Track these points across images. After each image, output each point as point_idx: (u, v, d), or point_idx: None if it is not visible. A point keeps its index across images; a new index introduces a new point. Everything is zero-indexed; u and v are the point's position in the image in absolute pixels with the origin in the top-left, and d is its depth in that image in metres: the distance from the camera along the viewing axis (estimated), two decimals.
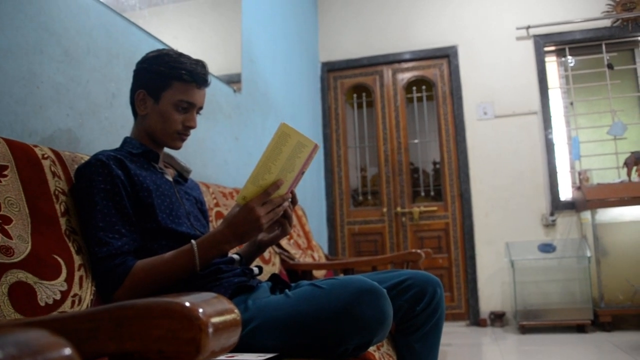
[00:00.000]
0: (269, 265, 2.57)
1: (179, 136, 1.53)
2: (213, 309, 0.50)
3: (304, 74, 4.48)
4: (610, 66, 4.51)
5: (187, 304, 0.48)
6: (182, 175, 1.66)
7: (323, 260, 3.41)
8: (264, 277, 1.82)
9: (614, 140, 4.44)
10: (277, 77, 3.75)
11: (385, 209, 4.65)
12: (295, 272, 2.79)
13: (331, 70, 4.89)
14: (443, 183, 4.61)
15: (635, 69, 4.62)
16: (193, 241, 1.32)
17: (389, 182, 4.68)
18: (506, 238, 4.37)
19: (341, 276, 1.40)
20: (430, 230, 4.58)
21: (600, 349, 3.52)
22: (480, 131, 4.55)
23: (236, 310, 0.55)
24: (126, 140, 1.54)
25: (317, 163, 4.65)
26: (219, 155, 2.78)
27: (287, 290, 1.33)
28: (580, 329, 3.96)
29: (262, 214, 1.31)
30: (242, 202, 1.32)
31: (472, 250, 4.46)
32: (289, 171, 1.33)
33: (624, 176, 4.26)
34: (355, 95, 4.92)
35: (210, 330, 0.47)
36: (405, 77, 4.78)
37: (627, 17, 4.47)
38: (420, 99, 4.79)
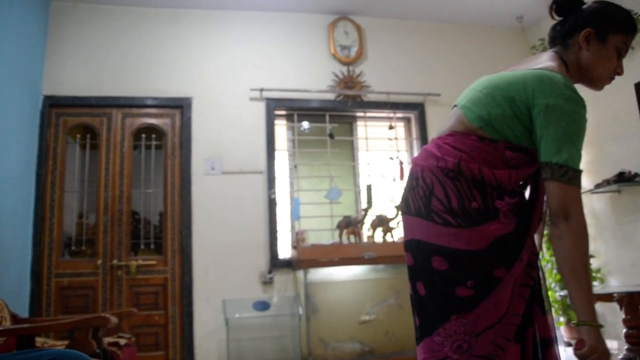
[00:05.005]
0: None
1: None
2: None
3: (20, 105, 4.00)
4: (331, 135, 4.89)
5: None
6: None
7: (7, 322, 2.94)
8: None
9: (330, 204, 4.76)
10: None
11: (100, 261, 4.28)
12: None
13: (54, 105, 4.45)
14: (165, 236, 4.43)
15: (352, 141, 5.08)
16: None
17: (106, 232, 4.35)
18: (225, 295, 4.33)
19: None
20: (147, 285, 4.33)
21: None
22: (206, 186, 4.51)
23: None
24: None
25: (26, 207, 4.12)
26: None
27: None
28: None
29: None
30: None
31: (190, 307, 4.32)
32: None
33: (337, 238, 4.57)
34: (79, 136, 4.54)
35: None
36: (135, 123, 4.57)
37: (348, 94, 4.92)
38: (148, 147, 4.60)
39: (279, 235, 4.61)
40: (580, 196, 1.38)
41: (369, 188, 4.75)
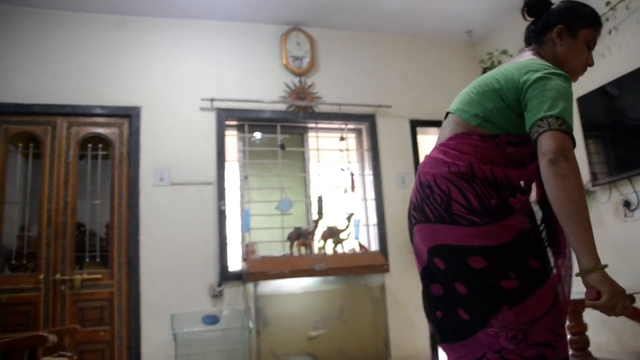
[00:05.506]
0: None
1: None
2: None
3: None
4: (282, 146, 4.87)
5: None
6: None
7: None
8: None
9: (281, 216, 4.75)
10: None
11: (42, 276, 4.14)
12: None
13: None
14: (111, 249, 4.32)
15: (303, 152, 5.08)
16: None
17: (49, 245, 4.20)
18: (174, 308, 4.25)
19: None
20: (92, 300, 4.21)
21: None
22: (154, 197, 4.42)
23: None
24: None
25: None
26: None
27: None
28: None
29: None
30: None
31: (137, 322, 4.21)
32: None
33: (287, 250, 4.55)
34: (21, 145, 4.38)
35: None
36: (81, 132, 4.44)
37: (300, 105, 4.92)
38: (95, 157, 4.47)
39: (228, 247, 4.55)
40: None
41: (319, 199, 4.76)
